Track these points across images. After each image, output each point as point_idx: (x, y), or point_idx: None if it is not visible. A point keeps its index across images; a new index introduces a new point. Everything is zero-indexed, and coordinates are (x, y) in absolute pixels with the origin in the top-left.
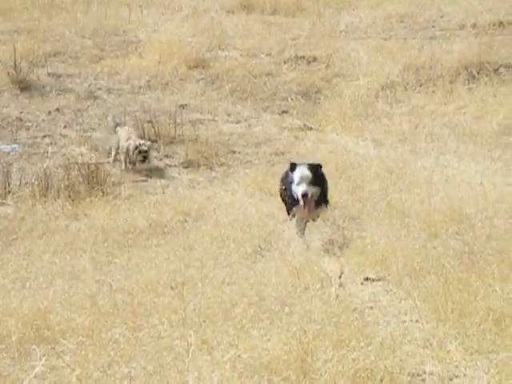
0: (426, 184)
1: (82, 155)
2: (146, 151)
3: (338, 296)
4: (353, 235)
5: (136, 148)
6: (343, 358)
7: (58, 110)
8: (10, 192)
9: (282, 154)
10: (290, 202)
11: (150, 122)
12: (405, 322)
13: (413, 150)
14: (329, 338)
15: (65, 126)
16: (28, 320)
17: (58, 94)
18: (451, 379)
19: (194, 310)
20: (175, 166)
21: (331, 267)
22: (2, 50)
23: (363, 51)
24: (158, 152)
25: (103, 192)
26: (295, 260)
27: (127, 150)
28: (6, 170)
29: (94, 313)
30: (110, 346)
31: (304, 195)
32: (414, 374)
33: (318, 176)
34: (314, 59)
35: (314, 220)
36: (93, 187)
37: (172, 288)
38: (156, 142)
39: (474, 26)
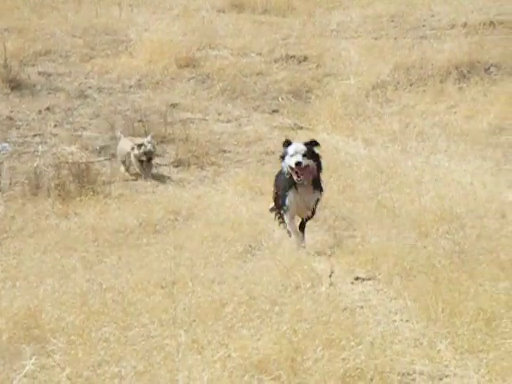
0: (417, 183)
1: (72, 154)
2: (151, 152)
3: (328, 295)
4: (343, 234)
5: (139, 146)
6: (333, 358)
7: (48, 108)
8: (0, 191)
9: (273, 153)
10: (281, 202)
11: (140, 121)
12: (395, 321)
13: (403, 149)
14: (319, 338)
15: (55, 125)
16: (18, 319)
17: (49, 93)
18: (441, 379)
19: (185, 309)
20: (166, 165)
21: (322, 266)
22: None
23: (354, 51)
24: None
25: (94, 191)
26: (286, 259)
27: (133, 154)
28: None
29: (84, 312)
30: (100, 345)
31: (297, 164)
32: (404, 374)
33: (313, 151)
34: (305, 58)
35: (308, 213)
36: (83, 186)
37: (162, 287)
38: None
39: (465, 25)
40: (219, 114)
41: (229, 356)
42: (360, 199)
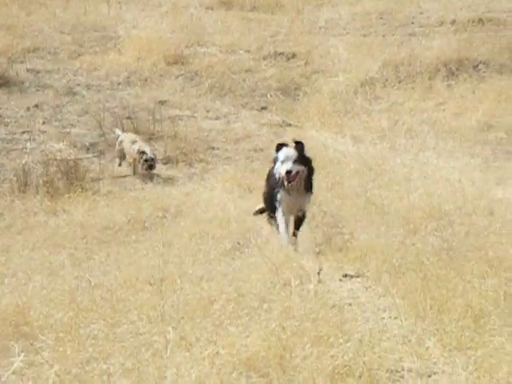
0: (405, 180)
1: (60, 151)
2: (153, 159)
3: (316, 292)
4: (331, 232)
5: (141, 154)
6: (322, 355)
7: (36, 105)
8: None
9: (262, 150)
10: (272, 200)
11: (128, 118)
12: (383, 318)
13: (392, 146)
14: (308, 335)
15: (44, 122)
16: (6, 316)
17: (37, 90)
18: (430, 376)
19: (173, 306)
20: None
21: (310, 264)
22: None
23: (342, 48)
24: None
25: (82, 188)
26: (274, 256)
27: (134, 153)
28: None
29: (72, 309)
30: (89, 342)
31: (288, 172)
32: (392, 371)
33: (303, 155)
34: (294, 56)
35: (299, 213)
36: (72, 183)
37: (151, 284)
38: None
39: (454, 22)
40: (208, 111)
41: (217, 353)
42: (348, 196)
